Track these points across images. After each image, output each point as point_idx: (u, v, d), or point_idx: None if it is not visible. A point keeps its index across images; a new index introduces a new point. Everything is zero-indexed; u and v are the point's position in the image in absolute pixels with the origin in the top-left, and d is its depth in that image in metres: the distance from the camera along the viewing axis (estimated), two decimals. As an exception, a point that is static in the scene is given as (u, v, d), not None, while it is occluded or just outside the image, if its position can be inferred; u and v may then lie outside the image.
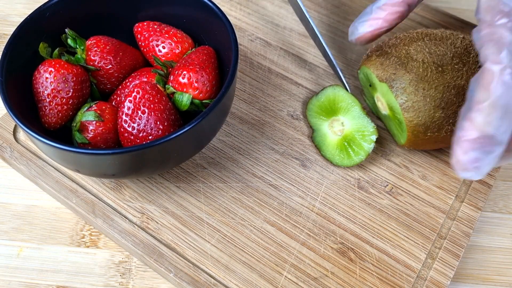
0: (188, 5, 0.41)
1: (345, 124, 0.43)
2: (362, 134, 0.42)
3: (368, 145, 0.41)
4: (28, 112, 0.37)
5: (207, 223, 0.40)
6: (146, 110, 0.36)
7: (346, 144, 0.42)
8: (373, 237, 0.39)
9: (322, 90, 0.45)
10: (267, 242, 0.39)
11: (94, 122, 0.37)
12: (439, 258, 0.38)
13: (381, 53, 0.40)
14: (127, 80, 0.41)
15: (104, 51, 0.40)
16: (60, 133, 0.39)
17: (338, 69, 0.46)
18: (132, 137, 0.36)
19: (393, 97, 0.38)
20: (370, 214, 0.40)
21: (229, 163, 0.42)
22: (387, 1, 0.40)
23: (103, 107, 0.38)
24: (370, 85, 0.42)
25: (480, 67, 0.32)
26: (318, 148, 0.42)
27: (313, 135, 0.43)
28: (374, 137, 0.41)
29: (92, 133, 0.37)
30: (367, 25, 0.40)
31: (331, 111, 0.44)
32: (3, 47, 0.37)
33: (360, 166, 0.42)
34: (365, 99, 0.45)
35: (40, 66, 0.38)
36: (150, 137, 0.36)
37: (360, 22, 0.41)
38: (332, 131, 0.43)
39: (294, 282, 0.37)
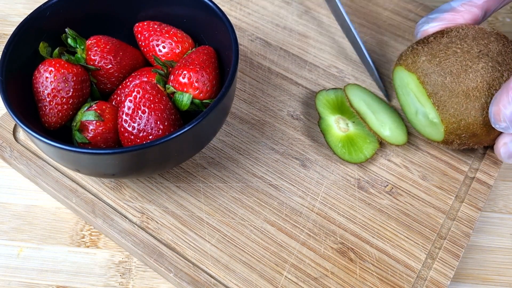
0: (188, 5, 0.41)
1: (350, 126, 0.43)
2: (365, 141, 0.42)
3: (369, 152, 0.42)
4: (28, 111, 0.37)
5: (207, 223, 0.39)
6: (147, 110, 0.36)
7: (348, 142, 0.42)
8: (373, 237, 0.39)
9: (332, 88, 0.45)
10: (267, 242, 0.39)
11: (94, 122, 0.37)
12: (439, 258, 0.38)
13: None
14: (127, 80, 0.41)
15: (104, 51, 0.40)
16: (60, 133, 0.39)
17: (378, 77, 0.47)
18: (132, 137, 0.36)
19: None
20: (370, 214, 0.40)
21: (229, 163, 0.42)
22: (466, 1, 0.40)
23: (103, 107, 0.38)
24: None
25: None
26: (322, 134, 0.43)
27: (319, 121, 0.43)
28: (375, 149, 0.42)
29: (92, 132, 0.37)
30: (443, 20, 0.40)
31: (338, 109, 0.44)
32: (3, 47, 0.37)
33: (360, 166, 0.42)
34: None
35: (40, 65, 0.38)
36: (150, 137, 0.36)
37: (434, 16, 0.41)
38: (337, 126, 0.43)
39: (294, 282, 0.37)
